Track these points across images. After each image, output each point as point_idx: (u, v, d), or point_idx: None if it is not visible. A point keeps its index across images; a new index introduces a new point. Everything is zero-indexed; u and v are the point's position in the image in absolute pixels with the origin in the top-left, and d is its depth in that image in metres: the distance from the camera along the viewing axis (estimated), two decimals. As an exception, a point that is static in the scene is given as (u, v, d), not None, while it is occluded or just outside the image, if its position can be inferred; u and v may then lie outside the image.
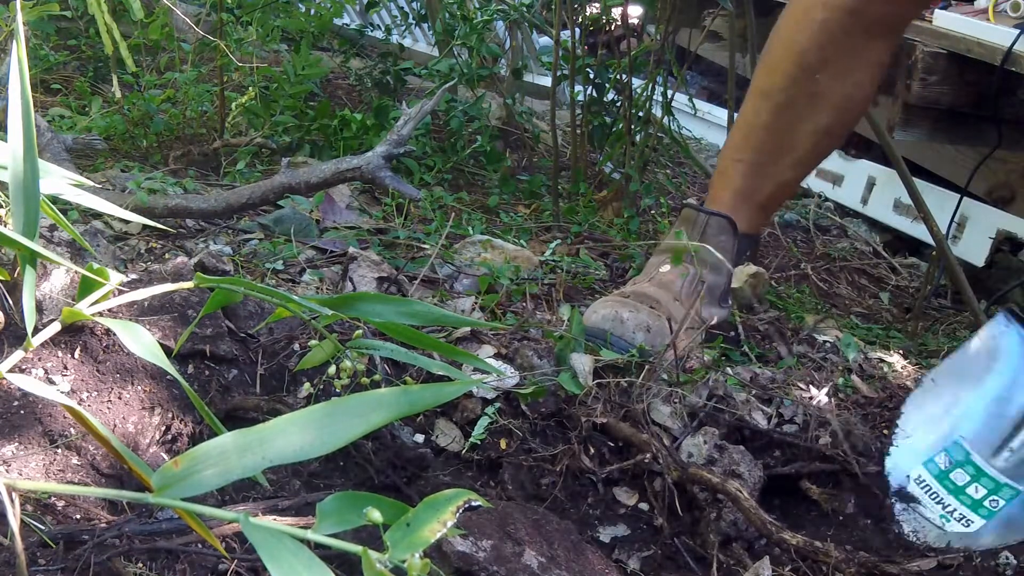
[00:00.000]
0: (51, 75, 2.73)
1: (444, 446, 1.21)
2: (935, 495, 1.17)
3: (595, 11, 2.32)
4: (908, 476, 1.20)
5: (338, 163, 1.71)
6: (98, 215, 1.71)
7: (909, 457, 1.22)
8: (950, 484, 1.18)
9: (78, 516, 0.95)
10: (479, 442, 1.20)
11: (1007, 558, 1.08)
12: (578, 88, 2.29)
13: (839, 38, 1.41)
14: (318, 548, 0.64)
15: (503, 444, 1.20)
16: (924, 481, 1.19)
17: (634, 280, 1.56)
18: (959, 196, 2.18)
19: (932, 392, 1.28)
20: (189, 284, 0.90)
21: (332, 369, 0.94)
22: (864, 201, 2.61)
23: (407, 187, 1.69)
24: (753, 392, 1.32)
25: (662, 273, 1.50)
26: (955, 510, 1.15)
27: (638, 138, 2.19)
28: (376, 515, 0.64)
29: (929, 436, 1.24)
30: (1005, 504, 1.15)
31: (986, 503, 1.16)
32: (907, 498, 1.19)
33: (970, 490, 1.17)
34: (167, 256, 1.64)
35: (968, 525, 1.14)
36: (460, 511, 0.66)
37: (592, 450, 1.21)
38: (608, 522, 1.17)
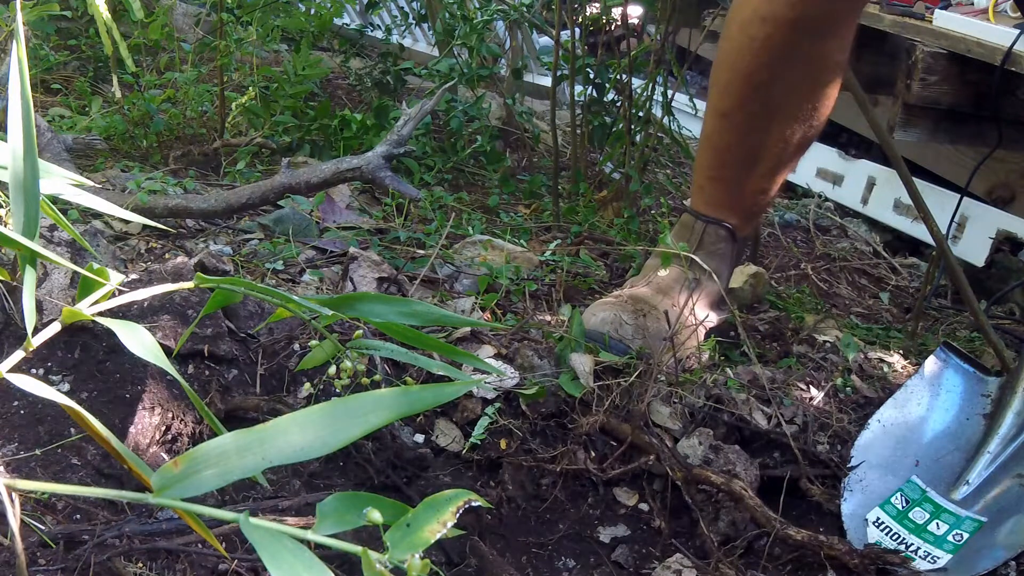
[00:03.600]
0: (51, 75, 2.73)
1: (444, 446, 1.21)
2: (896, 536, 1.14)
3: (595, 11, 2.32)
4: (866, 520, 1.17)
5: (338, 163, 1.71)
6: (98, 215, 1.71)
7: (865, 501, 1.19)
8: (910, 523, 1.15)
9: (78, 516, 0.95)
10: (479, 442, 1.20)
11: (1006, 564, 1.08)
12: (578, 88, 2.29)
13: (784, 51, 1.36)
14: (318, 548, 0.64)
15: (503, 444, 1.20)
16: (883, 523, 1.16)
17: (631, 282, 1.56)
18: (959, 196, 2.18)
19: (880, 434, 1.26)
20: (189, 284, 0.90)
21: (332, 369, 0.94)
22: (864, 201, 2.62)
23: (407, 187, 1.69)
24: (753, 392, 1.32)
25: (659, 276, 1.50)
26: (919, 548, 1.12)
27: (638, 138, 2.19)
28: (376, 515, 0.64)
29: (883, 478, 1.21)
30: (969, 536, 1.12)
31: (950, 538, 1.13)
32: (867, 543, 1.14)
33: (931, 527, 1.14)
34: (167, 256, 1.64)
35: (935, 562, 1.10)
36: (460, 511, 0.66)
37: (593, 451, 1.21)
38: (608, 522, 1.17)
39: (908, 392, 1.30)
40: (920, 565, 1.10)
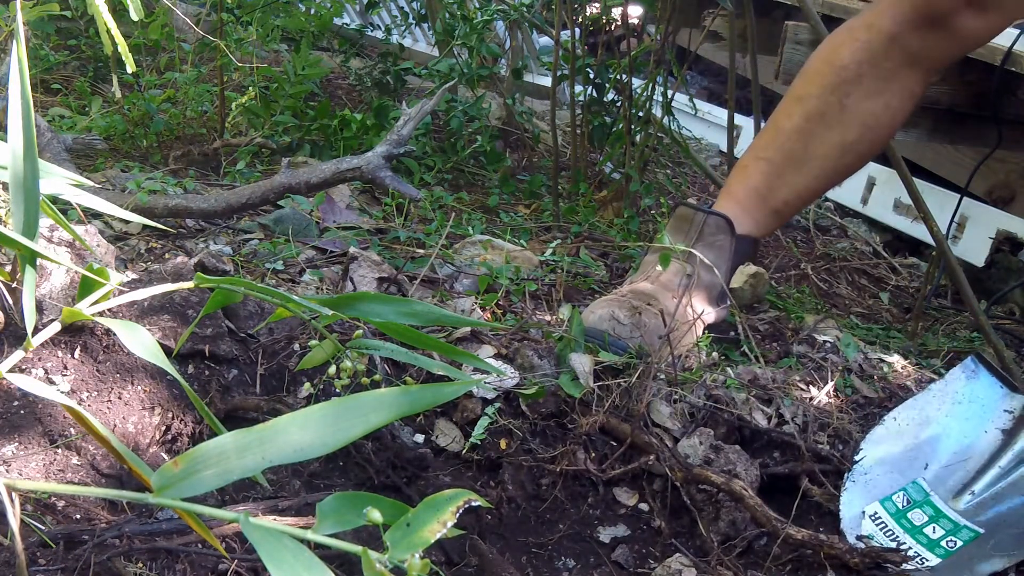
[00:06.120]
0: (51, 75, 2.74)
1: (444, 446, 1.21)
2: (890, 532, 1.15)
3: (595, 11, 2.32)
4: (863, 512, 1.18)
5: (338, 163, 1.71)
6: (98, 215, 1.71)
7: (866, 493, 1.20)
8: (907, 523, 1.16)
9: (78, 516, 0.95)
10: (479, 442, 1.20)
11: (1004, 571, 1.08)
12: (578, 88, 2.29)
13: (877, 59, 1.49)
14: (318, 548, 0.64)
15: (503, 444, 1.20)
16: (880, 518, 1.17)
17: (631, 279, 1.56)
18: (959, 196, 2.18)
19: (894, 431, 1.27)
20: (189, 284, 0.90)
21: (332, 369, 0.94)
22: (864, 201, 2.62)
23: (407, 187, 1.69)
24: (753, 392, 1.32)
25: (659, 271, 1.50)
26: (910, 548, 1.12)
27: (638, 138, 2.19)
28: (376, 515, 0.64)
29: (888, 474, 1.22)
30: (963, 545, 1.13)
31: (943, 543, 1.13)
32: (860, 534, 1.15)
33: (927, 530, 1.15)
34: (167, 256, 1.64)
35: (923, 563, 1.11)
36: (460, 511, 0.66)
37: (592, 451, 1.21)
38: (608, 522, 1.17)
39: (929, 395, 1.30)
40: (907, 565, 1.11)
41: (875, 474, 1.22)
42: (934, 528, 1.15)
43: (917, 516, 1.17)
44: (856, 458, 1.23)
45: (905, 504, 1.18)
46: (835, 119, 1.52)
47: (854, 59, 1.50)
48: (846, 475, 1.21)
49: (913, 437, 1.26)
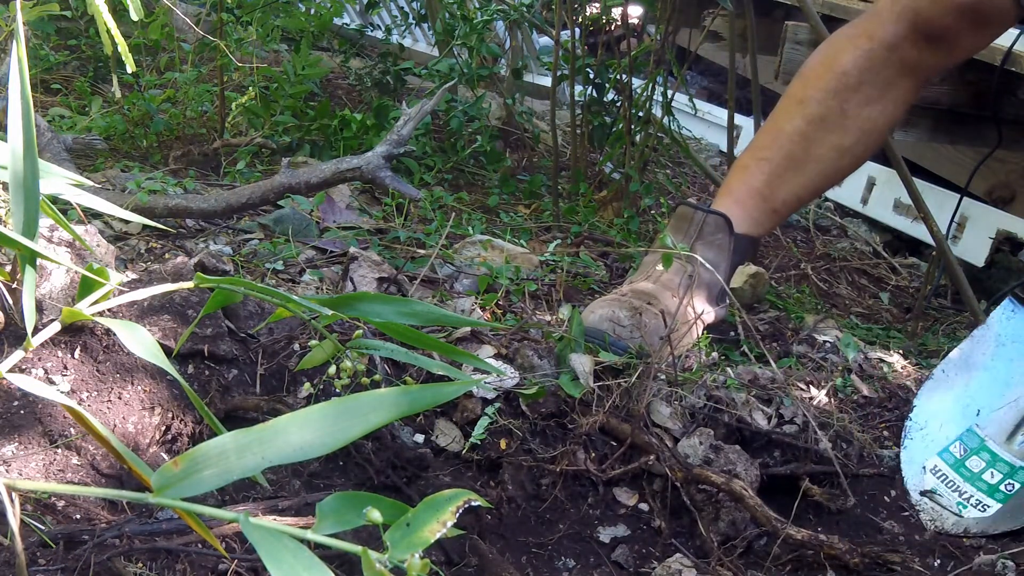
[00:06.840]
0: (51, 75, 2.74)
1: (444, 446, 1.21)
2: (952, 483, 1.19)
3: (595, 11, 2.32)
4: (924, 467, 1.22)
5: (338, 163, 1.71)
6: (98, 215, 1.71)
7: (924, 448, 1.24)
8: (966, 471, 1.20)
9: (78, 516, 0.95)
10: (479, 442, 1.20)
11: (1004, 564, 1.08)
12: (578, 88, 2.29)
13: (877, 68, 1.54)
14: (318, 548, 0.64)
15: (503, 444, 1.20)
16: (940, 471, 1.21)
17: (631, 279, 1.57)
18: (959, 196, 2.18)
19: (943, 383, 1.29)
20: (189, 284, 0.91)
21: (332, 369, 0.94)
22: (864, 201, 2.62)
23: (407, 187, 1.69)
24: (753, 392, 1.32)
25: (659, 271, 1.51)
26: (971, 496, 1.17)
27: (638, 138, 2.19)
28: (376, 515, 0.64)
29: (943, 426, 1.25)
30: (1020, 487, 1.17)
31: (1002, 487, 1.17)
32: (924, 489, 1.20)
33: (986, 476, 1.19)
34: (167, 256, 1.64)
35: (984, 511, 1.16)
36: (460, 511, 0.66)
37: (593, 451, 1.21)
38: (608, 522, 1.17)
39: (973, 342, 1.32)
40: (970, 513, 1.16)
41: (931, 428, 1.25)
42: (992, 473, 1.19)
43: (975, 463, 1.21)
44: (910, 415, 1.27)
45: (962, 453, 1.22)
46: (835, 123, 1.55)
47: (855, 66, 1.54)
48: (903, 432, 1.25)
49: (963, 386, 1.28)
